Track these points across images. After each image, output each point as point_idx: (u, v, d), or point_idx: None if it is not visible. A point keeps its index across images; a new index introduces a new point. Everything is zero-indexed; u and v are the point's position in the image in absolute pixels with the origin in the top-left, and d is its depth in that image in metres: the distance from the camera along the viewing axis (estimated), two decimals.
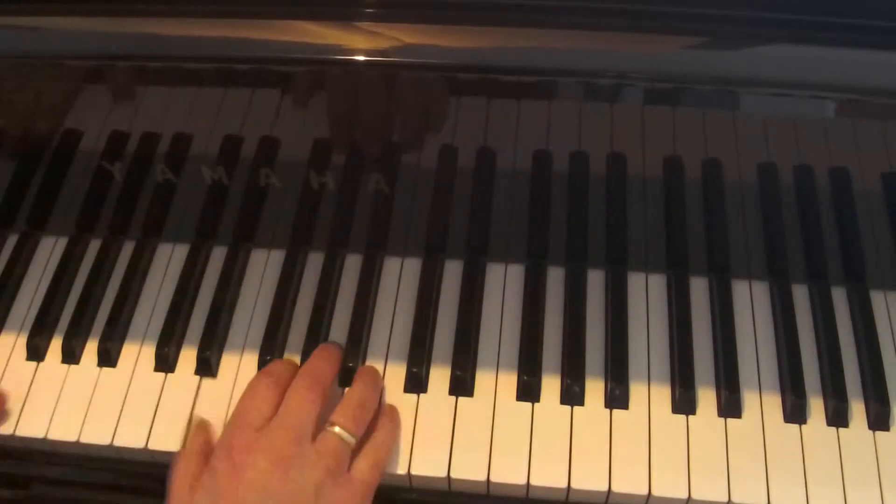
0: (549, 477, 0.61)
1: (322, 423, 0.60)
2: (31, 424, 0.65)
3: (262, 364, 0.67)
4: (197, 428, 0.64)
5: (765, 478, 0.60)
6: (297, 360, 0.67)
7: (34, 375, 0.68)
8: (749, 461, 0.61)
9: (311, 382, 0.61)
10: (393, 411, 0.64)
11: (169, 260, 0.73)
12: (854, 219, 0.64)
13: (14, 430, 0.65)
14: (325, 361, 0.64)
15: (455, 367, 0.65)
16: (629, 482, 0.61)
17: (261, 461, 0.57)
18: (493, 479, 0.61)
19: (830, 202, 0.63)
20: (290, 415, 0.59)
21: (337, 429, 0.59)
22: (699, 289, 0.69)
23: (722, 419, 0.63)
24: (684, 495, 0.60)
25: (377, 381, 0.65)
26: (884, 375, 0.64)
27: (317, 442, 0.58)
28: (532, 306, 0.69)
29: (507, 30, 0.55)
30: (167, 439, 0.64)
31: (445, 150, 0.64)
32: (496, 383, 0.65)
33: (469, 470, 0.61)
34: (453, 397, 0.65)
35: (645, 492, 0.60)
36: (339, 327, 0.69)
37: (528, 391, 0.65)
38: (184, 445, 0.63)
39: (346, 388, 0.63)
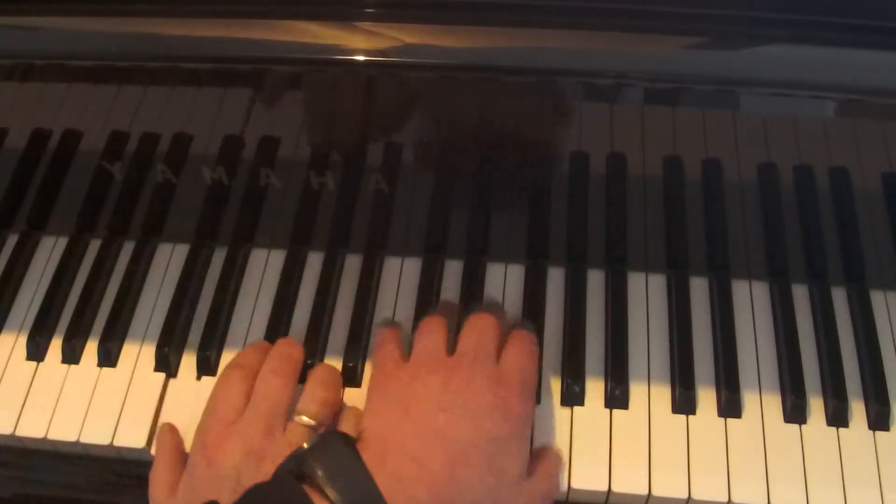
0: None
1: (296, 402, 0.60)
2: (31, 424, 0.65)
3: None
4: (163, 437, 0.63)
5: (765, 478, 0.60)
6: None
7: (34, 375, 0.68)
8: (749, 461, 0.61)
9: (278, 364, 0.62)
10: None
11: (169, 260, 0.73)
12: (854, 219, 0.64)
13: (14, 430, 0.65)
14: (290, 345, 0.64)
15: None
16: (629, 482, 0.61)
17: (234, 454, 0.57)
18: None
19: (830, 202, 0.63)
20: (260, 404, 0.59)
21: (304, 418, 0.59)
22: (699, 289, 0.69)
23: (722, 419, 0.63)
24: (684, 495, 0.60)
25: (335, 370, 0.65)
26: (884, 375, 0.64)
27: (287, 433, 0.58)
28: (532, 306, 0.69)
29: (507, 30, 0.55)
30: None
31: (445, 150, 0.64)
32: None
33: None
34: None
35: (645, 492, 0.60)
36: (339, 327, 0.69)
37: None
38: (156, 457, 0.62)
39: (308, 371, 0.63)
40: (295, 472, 0.53)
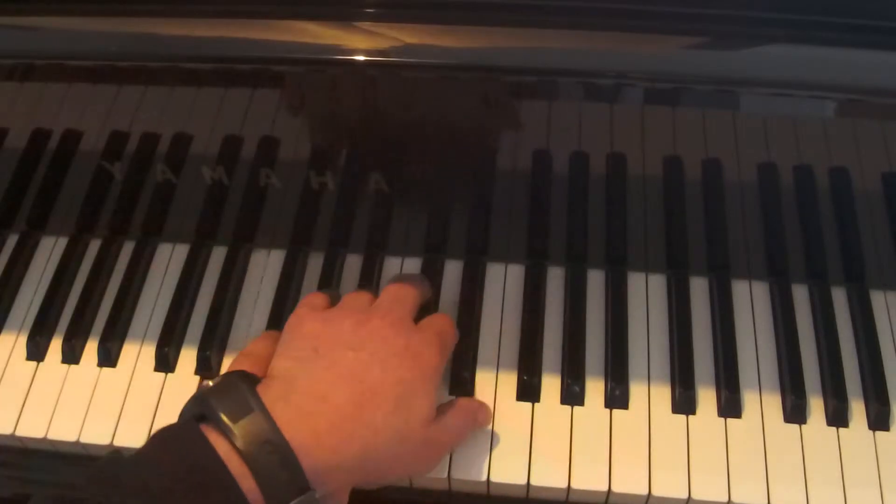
0: (549, 477, 0.61)
1: None
2: (31, 424, 0.65)
3: None
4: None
5: (765, 478, 0.60)
6: None
7: (34, 375, 0.68)
8: (749, 461, 0.61)
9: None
10: None
11: (169, 260, 0.74)
12: (854, 219, 0.64)
13: (14, 430, 0.65)
14: None
15: (455, 366, 0.65)
16: (629, 482, 0.61)
17: None
18: (493, 479, 0.61)
19: (830, 202, 0.63)
20: None
21: None
22: (699, 289, 0.69)
23: (722, 419, 0.63)
24: (684, 495, 0.60)
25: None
26: (884, 375, 0.64)
27: None
28: (532, 306, 0.69)
29: (507, 30, 0.55)
30: None
31: (445, 150, 0.64)
32: (496, 383, 0.65)
33: (470, 471, 0.61)
34: (453, 397, 0.65)
35: (645, 492, 0.60)
36: None
37: (528, 391, 0.65)
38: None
39: None
40: (195, 413, 0.54)
